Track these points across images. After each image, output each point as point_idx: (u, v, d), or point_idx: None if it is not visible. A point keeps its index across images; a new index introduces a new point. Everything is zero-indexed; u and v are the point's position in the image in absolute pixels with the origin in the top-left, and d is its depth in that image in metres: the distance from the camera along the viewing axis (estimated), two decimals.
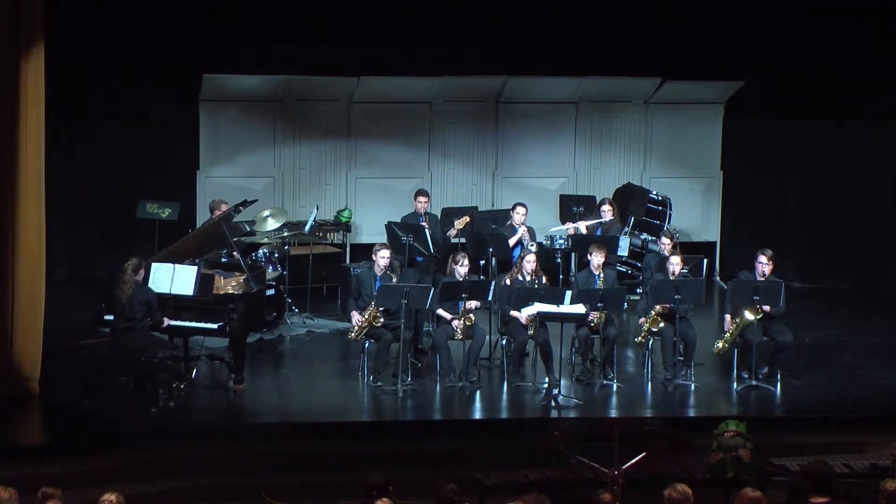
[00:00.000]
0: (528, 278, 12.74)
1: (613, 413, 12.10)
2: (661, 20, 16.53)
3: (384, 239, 14.20)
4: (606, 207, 15.36)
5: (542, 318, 12.38)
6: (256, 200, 14.18)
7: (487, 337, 12.83)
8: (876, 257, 17.05)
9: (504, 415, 12.32)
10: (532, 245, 14.40)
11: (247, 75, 16.49)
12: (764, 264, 12.66)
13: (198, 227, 14.81)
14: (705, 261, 15.38)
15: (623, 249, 15.38)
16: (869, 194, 17.18)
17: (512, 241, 14.42)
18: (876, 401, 12.37)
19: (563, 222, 15.68)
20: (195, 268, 12.29)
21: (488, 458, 10.64)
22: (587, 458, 9.73)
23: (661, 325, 12.66)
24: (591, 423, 11.51)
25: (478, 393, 12.43)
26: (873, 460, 10.28)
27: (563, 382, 12.43)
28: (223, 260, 13.48)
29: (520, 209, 14.76)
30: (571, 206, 15.92)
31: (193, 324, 12.16)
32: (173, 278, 12.17)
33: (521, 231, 14.57)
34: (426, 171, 17.31)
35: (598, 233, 15.10)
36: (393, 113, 17.22)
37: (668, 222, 16.13)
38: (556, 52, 16.46)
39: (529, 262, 12.78)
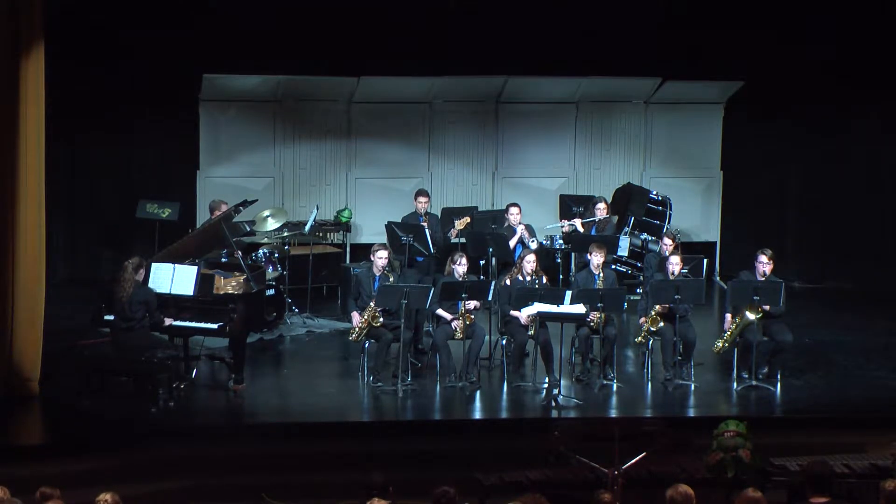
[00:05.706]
0: (528, 278, 12.74)
1: (613, 413, 12.09)
2: (662, 20, 16.52)
3: (384, 239, 14.20)
4: (601, 206, 15.37)
5: (542, 318, 12.38)
6: (256, 200, 14.18)
7: (487, 337, 12.83)
8: (876, 257, 17.04)
9: (504, 415, 12.31)
10: (532, 242, 14.39)
11: (247, 75, 16.48)
12: (764, 264, 12.65)
13: (198, 227, 14.81)
14: (705, 261, 15.36)
15: (623, 249, 15.37)
16: (869, 194, 17.17)
17: (512, 242, 14.40)
18: (876, 401, 12.37)
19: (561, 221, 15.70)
20: (195, 268, 12.29)
21: (488, 458, 10.63)
22: (587, 458, 9.73)
23: (661, 325, 12.66)
24: (591, 423, 11.49)
25: (478, 393, 12.43)
26: (873, 460, 10.27)
27: (563, 382, 12.43)
28: (223, 260, 13.47)
29: (513, 209, 14.70)
30: (571, 206, 15.92)
31: (193, 324, 12.16)
32: (173, 278, 12.17)
33: (520, 230, 14.56)
34: (426, 171, 17.30)
35: (593, 231, 15.10)
36: (393, 113, 17.21)
37: (669, 222, 16.11)
38: (556, 52, 16.45)
39: (529, 262, 12.77)
